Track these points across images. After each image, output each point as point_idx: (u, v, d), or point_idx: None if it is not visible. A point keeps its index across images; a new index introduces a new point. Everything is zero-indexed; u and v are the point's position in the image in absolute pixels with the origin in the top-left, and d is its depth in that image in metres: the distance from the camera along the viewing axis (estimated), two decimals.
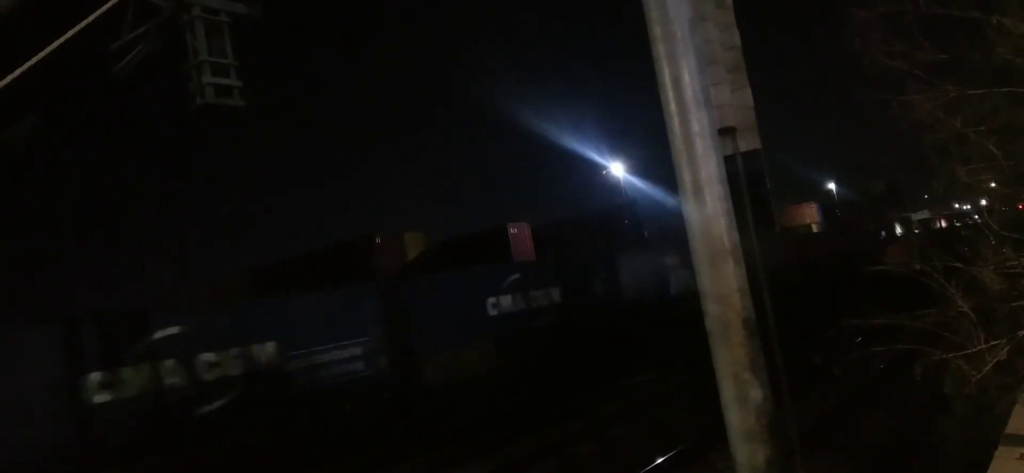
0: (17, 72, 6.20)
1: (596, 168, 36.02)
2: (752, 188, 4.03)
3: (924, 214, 56.22)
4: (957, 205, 52.50)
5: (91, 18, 6.56)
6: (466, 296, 16.35)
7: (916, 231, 47.51)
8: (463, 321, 15.92)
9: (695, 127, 3.79)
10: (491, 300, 16.75)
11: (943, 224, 55.63)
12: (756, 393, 3.74)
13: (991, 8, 5.57)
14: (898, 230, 44.09)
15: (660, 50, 3.85)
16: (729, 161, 3.94)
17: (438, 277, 17.77)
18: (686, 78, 3.80)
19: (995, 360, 5.45)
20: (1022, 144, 5.90)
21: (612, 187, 35.08)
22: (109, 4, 6.63)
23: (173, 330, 11.93)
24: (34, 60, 6.29)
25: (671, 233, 20.47)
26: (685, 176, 3.83)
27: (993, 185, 6.47)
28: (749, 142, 4.08)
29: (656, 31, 3.85)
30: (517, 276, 17.58)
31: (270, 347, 12.80)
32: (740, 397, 3.75)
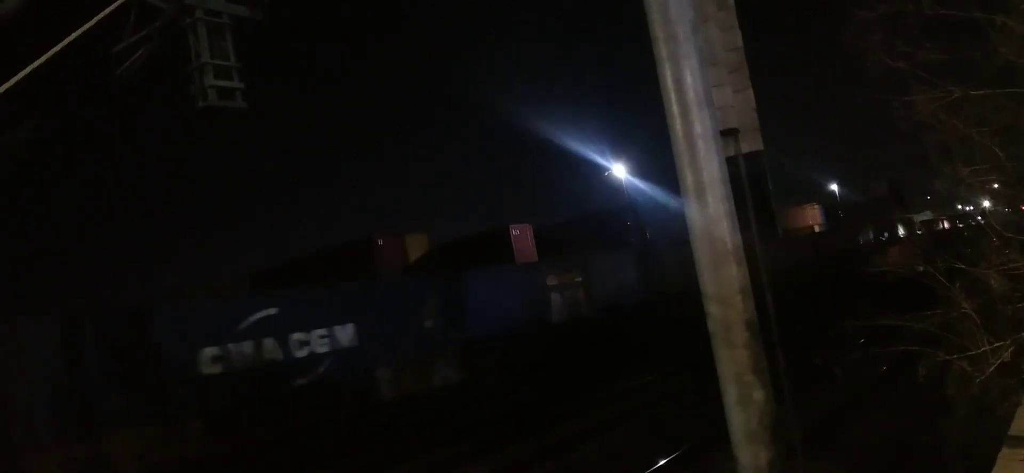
0: (20, 75, 6.22)
1: (599, 170, 35.97)
2: (754, 189, 4.02)
3: (927, 215, 56.10)
4: (960, 206, 52.47)
5: (93, 21, 6.58)
6: (155, 347, 10.85)
7: (919, 232, 47.40)
8: (145, 388, 10.57)
9: (697, 128, 3.79)
10: (209, 352, 11.23)
11: (946, 225, 55.50)
12: (759, 394, 3.74)
13: (994, 8, 5.56)
14: (901, 231, 43.99)
15: (662, 51, 3.84)
16: (731, 162, 3.94)
17: (102, 315, 11.23)
18: (688, 79, 3.80)
19: (999, 362, 5.44)
20: None
21: (614, 189, 35.02)
22: (111, 7, 6.64)
23: None
24: (37, 63, 6.30)
25: (673, 234, 19.85)
26: (687, 177, 3.83)
27: (996, 186, 6.47)
28: (751, 143, 4.08)
29: (658, 32, 3.85)
30: (272, 312, 12.21)
31: None
32: (743, 398, 3.75)
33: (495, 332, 15.21)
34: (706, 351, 3.93)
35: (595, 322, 17.38)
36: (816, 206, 43.73)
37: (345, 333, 13.04)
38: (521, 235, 22.60)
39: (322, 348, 12.67)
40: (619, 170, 34.73)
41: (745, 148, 4.06)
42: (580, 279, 17.74)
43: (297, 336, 12.41)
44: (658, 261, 20.00)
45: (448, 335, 14.53)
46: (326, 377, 12.58)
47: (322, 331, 12.73)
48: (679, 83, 3.81)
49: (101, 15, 6.62)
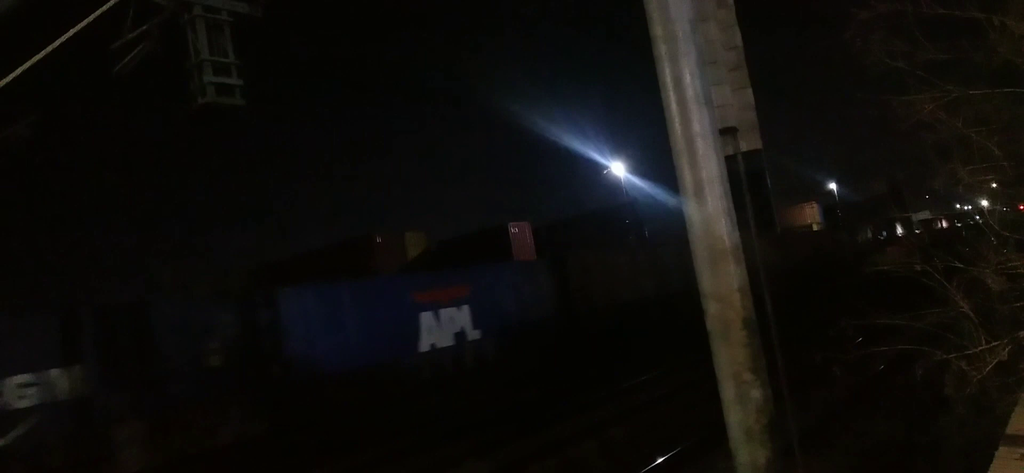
0: (18, 71, 6.20)
1: (597, 168, 36.06)
2: (753, 188, 4.02)
3: (925, 214, 56.17)
4: (958, 205, 52.50)
5: (92, 17, 6.55)
6: None
7: (917, 231, 47.48)
8: None
9: (696, 127, 3.79)
10: None
11: (944, 224, 55.56)
12: (756, 393, 3.73)
13: (992, 9, 5.57)
14: (899, 230, 44.08)
15: (661, 49, 3.84)
16: (730, 161, 3.94)
17: None
18: (687, 78, 3.80)
19: (996, 360, 5.46)
20: (1023, 144, 5.91)
21: (613, 187, 35.10)
22: (110, 3, 6.62)
23: None
24: (35, 59, 6.28)
25: (671, 233, 19.48)
26: (686, 176, 3.83)
27: (994, 185, 6.48)
28: (750, 142, 4.07)
29: (657, 30, 3.85)
30: None
31: None
32: (741, 397, 3.75)
33: (329, 368, 12.14)
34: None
35: (482, 346, 14.79)
36: (815, 204, 43.85)
37: (66, 379, 9.73)
38: (520, 233, 22.62)
39: (23, 402, 9.34)
40: (618, 168, 34.81)
41: (744, 147, 4.06)
42: (466, 295, 14.89)
43: None
44: (576, 270, 17.58)
45: (249, 375, 11.26)
46: (26, 443, 9.25)
47: (26, 377, 9.39)
48: (678, 82, 3.81)
49: (100, 11, 6.60)
